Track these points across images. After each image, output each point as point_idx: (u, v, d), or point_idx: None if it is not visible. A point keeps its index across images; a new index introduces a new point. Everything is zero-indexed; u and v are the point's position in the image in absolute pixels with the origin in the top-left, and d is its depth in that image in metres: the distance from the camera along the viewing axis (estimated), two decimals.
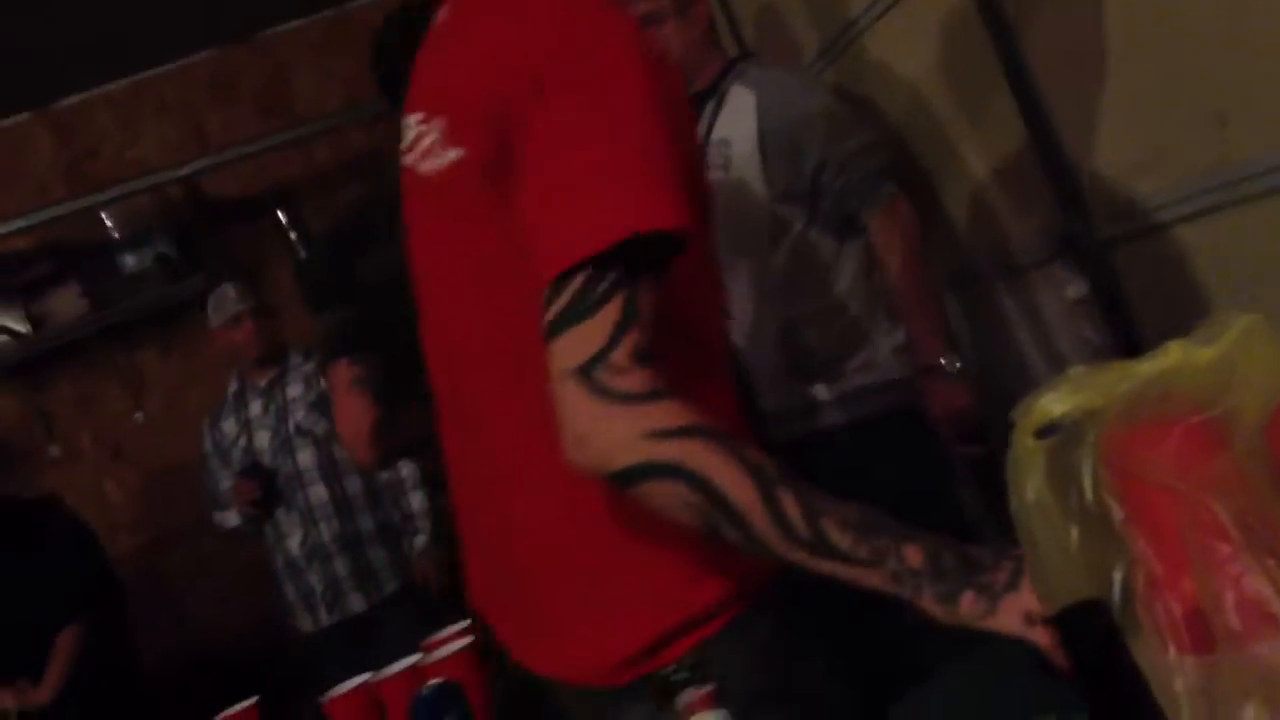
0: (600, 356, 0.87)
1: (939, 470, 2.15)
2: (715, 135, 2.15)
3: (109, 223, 3.84)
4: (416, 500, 3.18)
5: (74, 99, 4.03)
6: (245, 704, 2.02)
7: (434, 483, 3.19)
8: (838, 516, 0.84)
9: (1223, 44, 1.55)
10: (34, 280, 3.78)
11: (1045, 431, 0.71)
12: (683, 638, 1.00)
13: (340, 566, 3.12)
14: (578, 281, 0.89)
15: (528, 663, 1.14)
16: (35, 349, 3.80)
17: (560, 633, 1.09)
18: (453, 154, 1.02)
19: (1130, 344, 1.90)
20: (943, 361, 2.07)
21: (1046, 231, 2.05)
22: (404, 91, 1.39)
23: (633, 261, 0.89)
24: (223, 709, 1.99)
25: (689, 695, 0.86)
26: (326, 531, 3.11)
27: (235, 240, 3.97)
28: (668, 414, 0.87)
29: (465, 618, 1.96)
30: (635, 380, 0.87)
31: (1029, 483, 0.70)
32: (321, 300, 1.90)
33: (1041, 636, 0.73)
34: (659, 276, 0.91)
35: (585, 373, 0.87)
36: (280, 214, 3.94)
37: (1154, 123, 1.75)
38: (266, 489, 3.10)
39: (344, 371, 1.80)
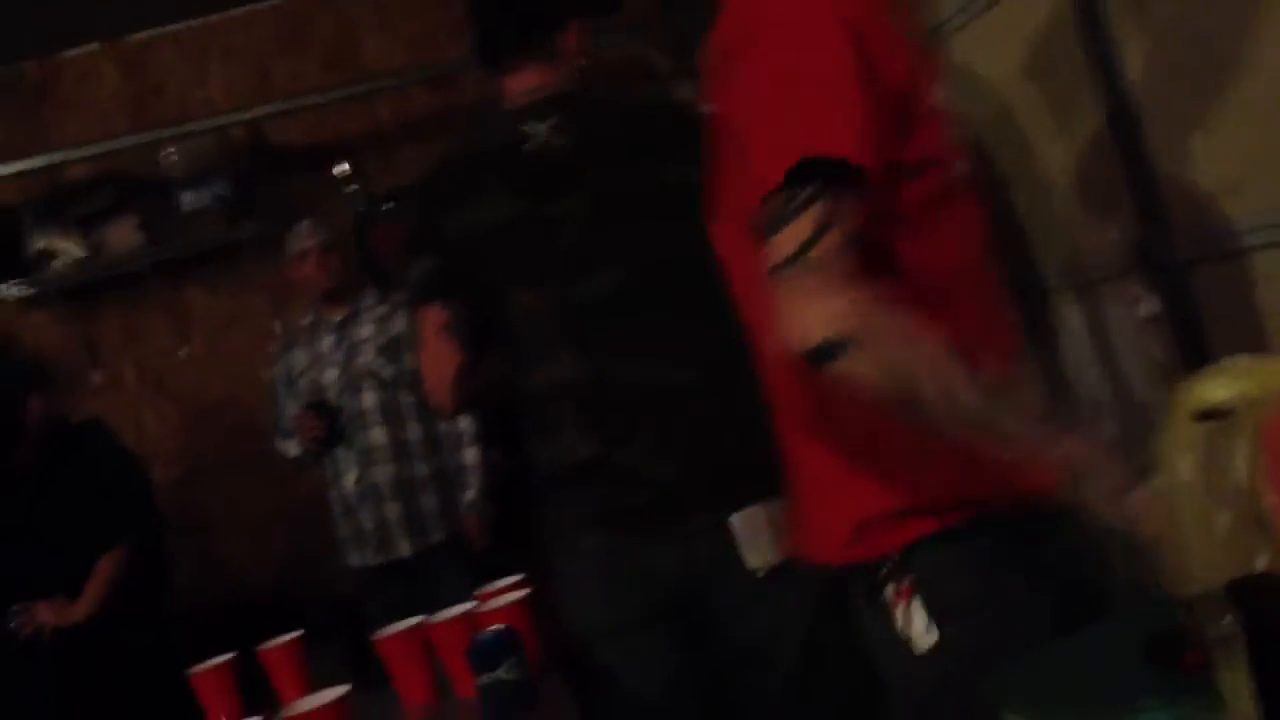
0: (801, 251, 1.02)
1: None
2: None
3: (172, 159, 3.87)
4: (471, 455, 3.22)
5: (143, 35, 4.07)
6: (289, 636, 2.06)
7: (488, 439, 3.23)
8: (1005, 396, 1.01)
9: None
10: (93, 210, 3.82)
11: (1203, 415, 0.73)
12: (894, 533, 1.16)
13: (391, 510, 3.17)
14: (780, 197, 1.05)
15: (805, 553, 1.37)
16: (88, 276, 3.84)
17: (807, 522, 1.32)
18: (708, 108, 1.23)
19: (1199, 367, 1.91)
20: None
21: (1123, 245, 2.05)
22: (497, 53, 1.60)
23: (830, 180, 1.04)
24: (249, 646, 2.03)
25: (890, 590, 1.02)
26: (381, 474, 3.16)
27: (293, 189, 4.00)
28: (857, 302, 1.01)
29: (509, 574, 2.01)
30: (832, 272, 1.01)
31: (1182, 463, 0.73)
32: (413, 246, 1.92)
33: None
34: (856, 196, 1.06)
35: (789, 264, 1.02)
36: (342, 165, 3.96)
37: (1247, 146, 1.75)
38: (330, 426, 3.15)
39: (435, 315, 1.83)
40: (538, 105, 1.86)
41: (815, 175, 1.04)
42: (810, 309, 1.00)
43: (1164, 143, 1.93)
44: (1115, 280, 2.12)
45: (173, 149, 3.88)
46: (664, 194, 1.67)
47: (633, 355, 1.75)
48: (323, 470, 3.32)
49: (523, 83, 1.90)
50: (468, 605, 1.87)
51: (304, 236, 3.30)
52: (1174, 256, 1.95)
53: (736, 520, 1.75)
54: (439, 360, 1.83)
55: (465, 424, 3.22)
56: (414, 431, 3.20)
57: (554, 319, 1.79)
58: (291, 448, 3.33)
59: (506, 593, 1.87)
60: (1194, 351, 1.92)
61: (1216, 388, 0.73)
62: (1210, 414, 0.73)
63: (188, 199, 3.92)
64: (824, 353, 0.99)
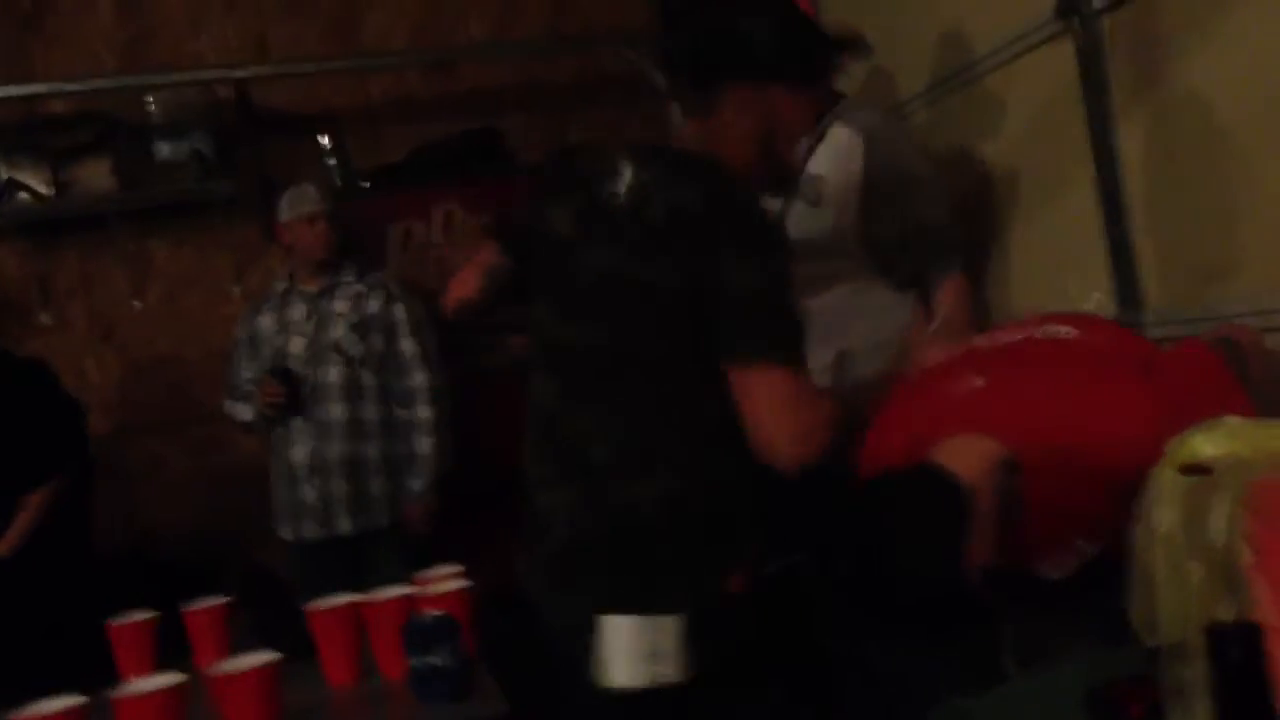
0: None
1: None
2: (810, 169, 2.23)
3: (153, 108, 3.82)
4: (424, 444, 3.19)
5: None
6: (216, 600, 2.02)
7: (440, 430, 3.21)
8: None
9: None
10: (69, 147, 3.75)
11: (1191, 469, 0.74)
12: None
13: (338, 487, 3.12)
14: None
15: None
16: (52, 213, 3.76)
17: None
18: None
19: None
20: None
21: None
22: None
23: None
24: (162, 606, 2.00)
25: None
26: (334, 450, 3.12)
27: (273, 154, 3.95)
28: None
29: (446, 564, 1.99)
30: None
31: (1163, 513, 0.73)
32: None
33: None
34: None
35: None
36: (324, 138, 3.92)
37: (1229, 233, 1.79)
38: (291, 395, 3.11)
39: (489, 250, 1.80)
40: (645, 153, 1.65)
41: None
42: None
43: (1148, 221, 1.97)
44: None
45: (155, 97, 3.82)
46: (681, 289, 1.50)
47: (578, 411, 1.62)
48: (271, 439, 3.24)
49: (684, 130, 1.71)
50: (406, 588, 1.84)
51: (312, 200, 3.23)
52: (1147, 335, 1.98)
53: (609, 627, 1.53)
54: (477, 257, 1.77)
55: (423, 413, 3.19)
56: (371, 412, 3.16)
57: (539, 339, 1.72)
58: (243, 411, 3.27)
59: (446, 580, 1.85)
60: None
61: (1206, 444, 0.74)
62: (1195, 469, 0.73)
63: (164, 149, 3.85)
64: None
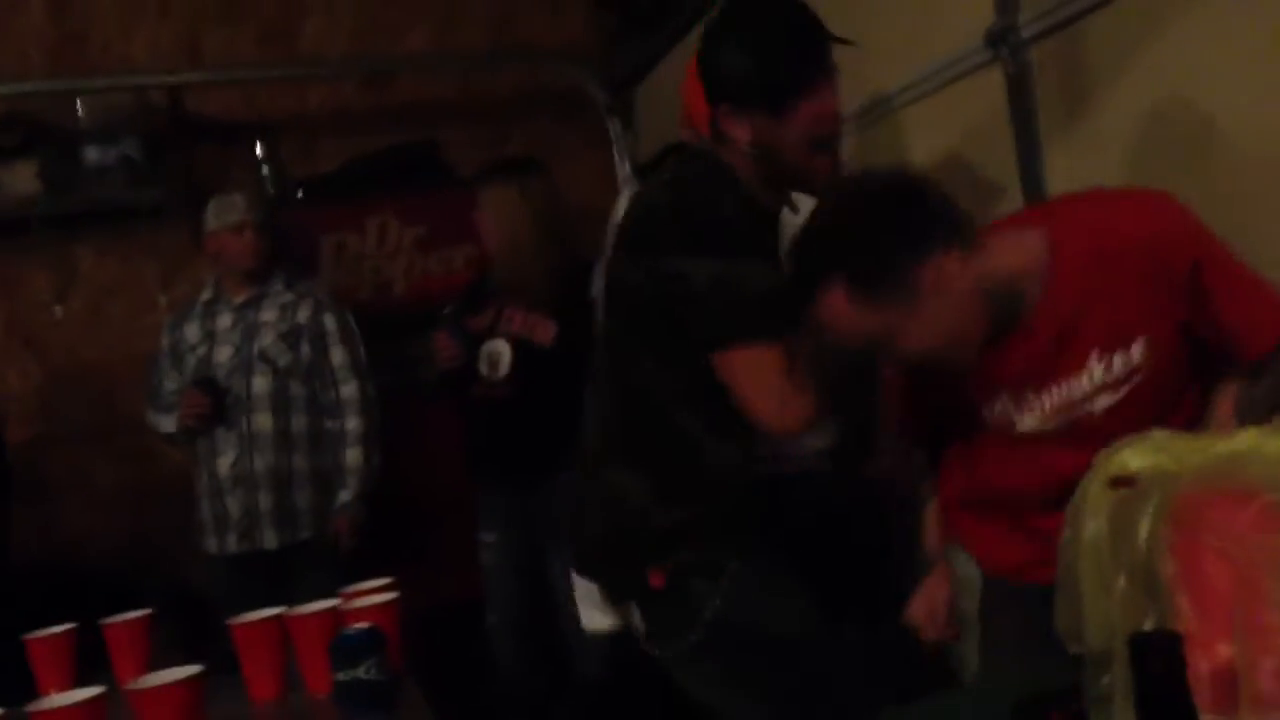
0: None
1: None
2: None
3: (83, 112, 3.75)
4: (353, 455, 3.14)
5: None
6: (136, 614, 1.98)
7: (369, 441, 3.17)
8: None
9: (1244, 198, 1.65)
10: None
11: (1118, 481, 0.75)
12: None
13: (263, 500, 3.07)
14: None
15: None
16: None
17: None
18: None
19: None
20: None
21: None
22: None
23: None
24: (81, 620, 1.96)
25: None
26: (260, 461, 3.07)
27: (205, 161, 3.90)
28: None
29: (373, 578, 1.97)
30: None
31: (1090, 523, 0.75)
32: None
33: None
34: None
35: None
36: (258, 146, 3.88)
37: None
38: (215, 406, 3.06)
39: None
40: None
41: None
42: None
43: None
44: None
45: (85, 100, 3.76)
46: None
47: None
48: (197, 450, 3.18)
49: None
50: (332, 601, 1.82)
51: (238, 209, 3.16)
52: None
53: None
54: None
55: (352, 424, 3.15)
56: (299, 423, 3.12)
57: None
58: (166, 423, 3.20)
59: (373, 594, 1.83)
60: None
61: (1134, 456, 0.75)
62: (1122, 482, 0.75)
63: (93, 154, 3.78)
64: None
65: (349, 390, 3.17)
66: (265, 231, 3.20)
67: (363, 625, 1.61)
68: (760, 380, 1.62)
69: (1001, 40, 2.08)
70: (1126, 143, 1.87)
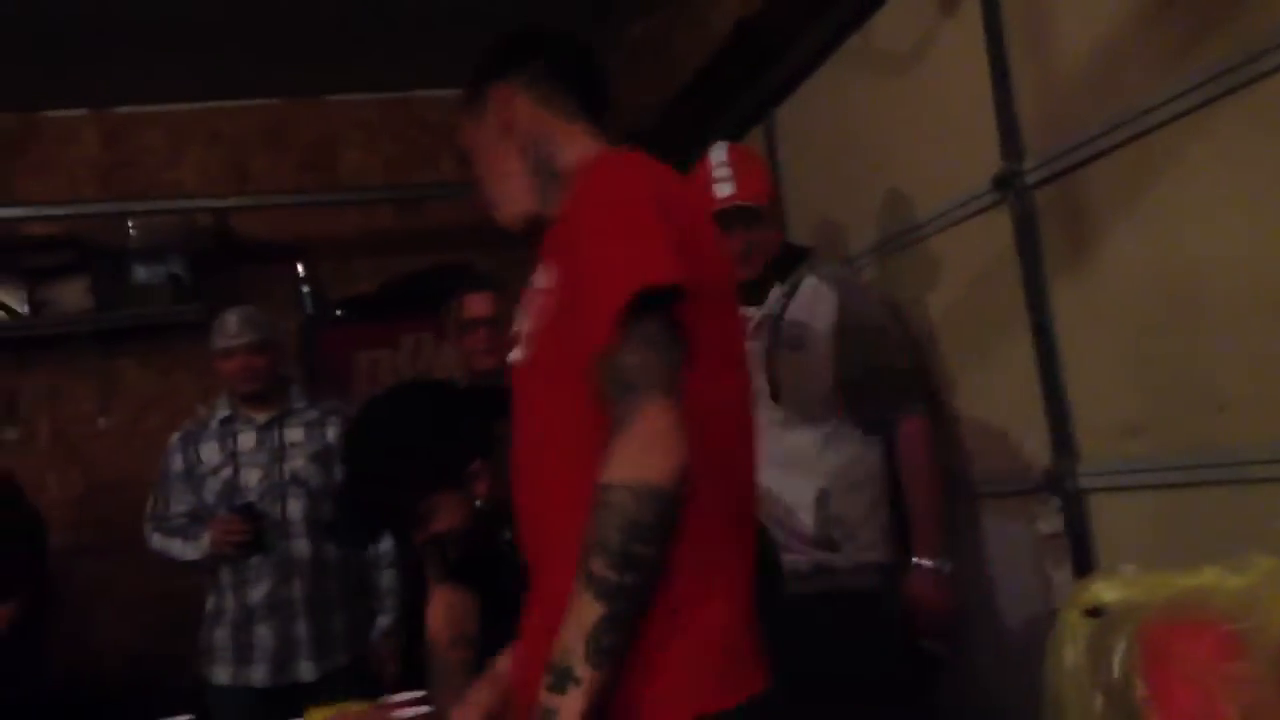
0: (651, 382, 1.18)
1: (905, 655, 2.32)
2: (789, 316, 2.43)
3: (133, 232, 3.94)
4: (387, 578, 3.08)
5: (130, 109, 4.18)
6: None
7: (406, 565, 3.05)
8: None
9: (1234, 335, 1.75)
10: (48, 267, 3.85)
11: (1092, 612, 0.84)
12: None
13: (301, 628, 2.95)
14: (621, 336, 1.20)
15: None
16: (25, 330, 3.84)
17: None
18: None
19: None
20: (935, 563, 2.33)
21: (1034, 467, 2.22)
22: None
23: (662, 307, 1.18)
24: None
25: None
26: (299, 588, 2.96)
27: (248, 279, 4.07)
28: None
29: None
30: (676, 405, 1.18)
31: (1068, 651, 0.84)
32: None
33: None
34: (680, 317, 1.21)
35: (640, 395, 1.17)
36: (299, 266, 4.05)
37: (1155, 393, 1.94)
38: (256, 533, 2.90)
39: None
40: None
41: (650, 305, 1.12)
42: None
43: (1080, 379, 2.11)
44: (1023, 495, 2.27)
45: (135, 222, 3.95)
46: None
47: None
48: (218, 576, 3.00)
49: None
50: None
51: (230, 334, 3.03)
52: (1077, 485, 2.11)
53: None
54: None
55: (385, 546, 3.04)
56: (333, 549, 3.01)
57: None
58: (186, 549, 2.98)
59: (411, 706, 1.90)
60: (1085, 570, 2.06)
61: (1107, 589, 0.85)
62: (1097, 611, 0.84)
63: (141, 272, 3.97)
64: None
65: None
66: (263, 353, 3.05)
67: None
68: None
69: (1008, 184, 2.21)
70: (1128, 281, 1.97)
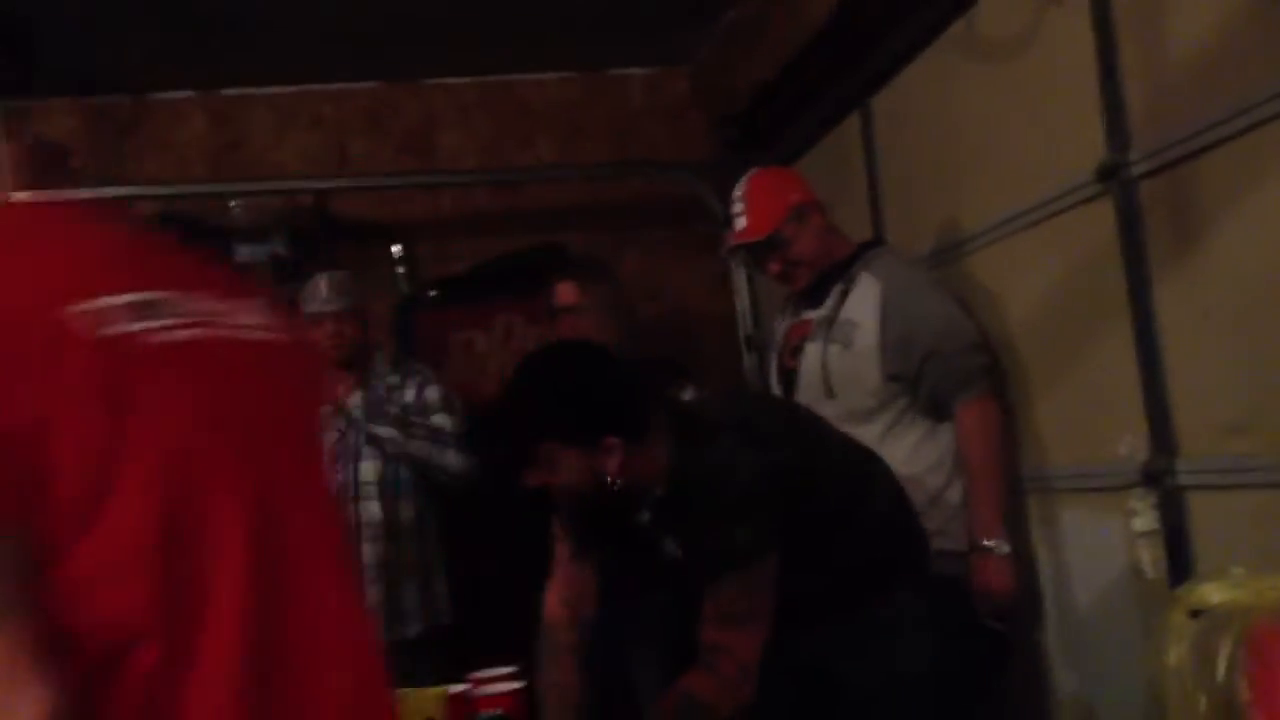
0: None
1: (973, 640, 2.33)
2: (843, 315, 2.54)
3: (237, 212, 4.04)
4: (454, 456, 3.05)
5: (238, 90, 4.28)
6: None
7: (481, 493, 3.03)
8: None
9: None
10: None
11: (1197, 613, 0.84)
12: None
13: (372, 595, 2.91)
14: None
15: None
16: None
17: None
18: None
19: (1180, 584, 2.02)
20: (993, 543, 2.37)
21: (1129, 463, 2.18)
22: None
23: None
24: None
25: None
26: (370, 554, 2.95)
27: (345, 259, 4.15)
28: None
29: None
30: None
31: (1173, 650, 0.84)
32: None
33: None
34: None
35: None
36: (396, 247, 4.13)
37: (1261, 391, 1.90)
38: None
39: None
40: None
41: None
42: None
43: (1182, 374, 2.08)
44: (1117, 492, 2.24)
45: (238, 202, 4.06)
46: None
47: None
48: None
49: None
50: (461, 686, 1.93)
51: (321, 299, 3.08)
52: (1176, 481, 2.08)
53: None
54: None
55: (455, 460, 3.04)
56: (407, 511, 3.01)
57: None
58: None
59: (501, 680, 1.94)
60: (1181, 568, 2.03)
61: (1213, 591, 0.84)
62: (1202, 613, 0.84)
63: (244, 251, 4.07)
64: None
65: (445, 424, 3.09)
66: (353, 320, 3.10)
67: (494, 711, 1.73)
68: None
69: (1112, 175, 2.18)
70: (1235, 277, 1.93)
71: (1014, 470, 2.55)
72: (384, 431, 3.04)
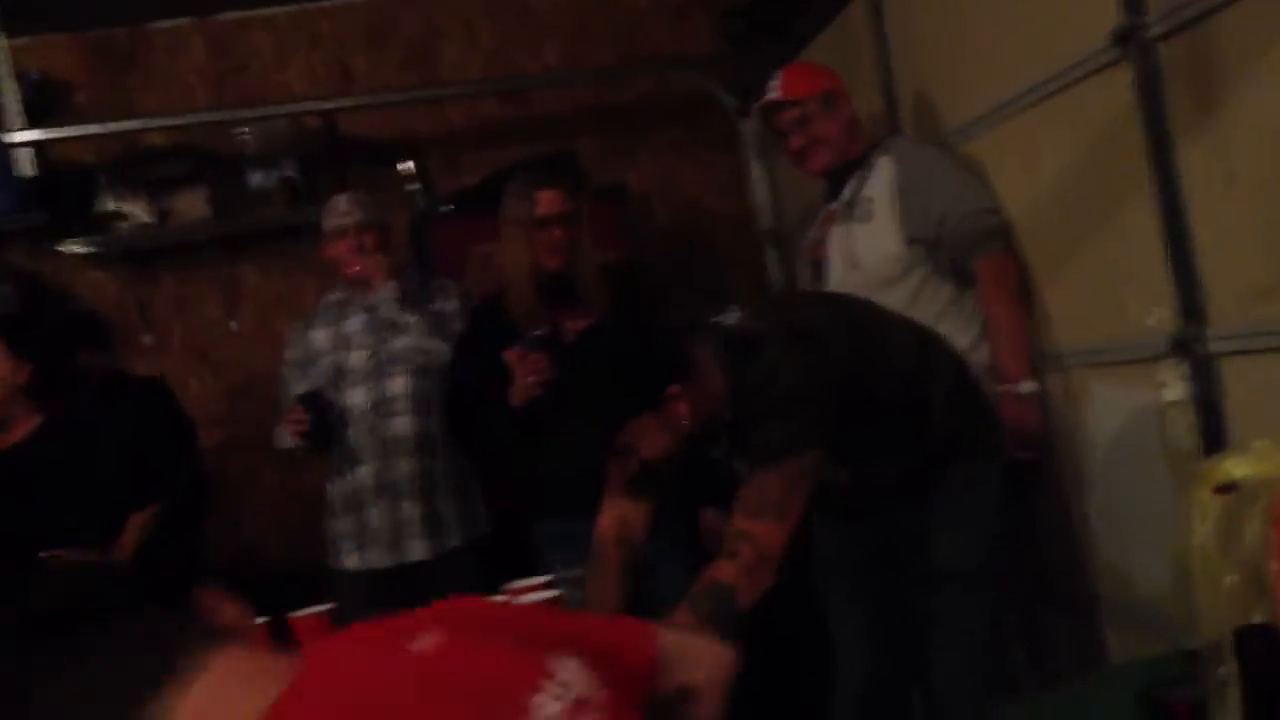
0: None
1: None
2: (863, 194, 2.68)
3: (246, 138, 4.01)
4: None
5: (234, 14, 4.21)
6: (320, 609, 2.15)
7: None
8: None
9: None
10: (167, 178, 3.95)
11: (1223, 488, 0.83)
12: None
13: (409, 508, 2.92)
14: None
15: None
16: (150, 242, 3.98)
17: None
18: None
19: (1215, 452, 2.00)
20: (1020, 384, 2.46)
21: (1159, 334, 2.15)
22: None
23: None
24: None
25: None
26: (404, 468, 2.92)
27: (358, 179, 4.11)
28: None
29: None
30: None
31: (1200, 528, 0.83)
32: None
33: None
34: None
35: None
36: (408, 164, 4.09)
37: None
38: (316, 423, 2.87)
39: None
40: None
41: None
42: None
43: (1210, 242, 2.03)
44: (1146, 363, 2.22)
45: (247, 129, 4.02)
46: None
47: None
48: (332, 460, 3.00)
49: None
50: (500, 598, 1.96)
51: (340, 213, 3.03)
52: (1206, 349, 2.05)
53: None
54: None
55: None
56: (438, 424, 2.95)
57: None
58: (282, 437, 2.99)
59: (536, 590, 1.97)
60: (1214, 437, 2.02)
61: (1239, 465, 0.83)
62: (1229, 488, 0.82)
63: (256, 178, 4.05)
64: None
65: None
66: (374, 232, 3.04)
67: None
68: None
69: (1129, 39, 2.11)
70: (1261, 139, 1.88)
71: (1040, 348, 2.53)
72: (411, 320, 3.02)
